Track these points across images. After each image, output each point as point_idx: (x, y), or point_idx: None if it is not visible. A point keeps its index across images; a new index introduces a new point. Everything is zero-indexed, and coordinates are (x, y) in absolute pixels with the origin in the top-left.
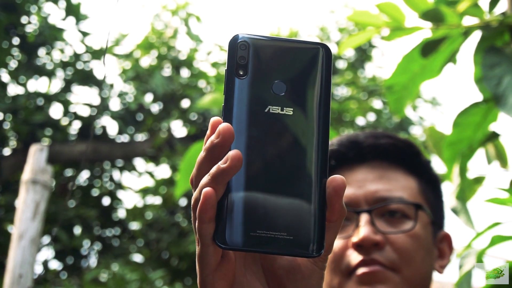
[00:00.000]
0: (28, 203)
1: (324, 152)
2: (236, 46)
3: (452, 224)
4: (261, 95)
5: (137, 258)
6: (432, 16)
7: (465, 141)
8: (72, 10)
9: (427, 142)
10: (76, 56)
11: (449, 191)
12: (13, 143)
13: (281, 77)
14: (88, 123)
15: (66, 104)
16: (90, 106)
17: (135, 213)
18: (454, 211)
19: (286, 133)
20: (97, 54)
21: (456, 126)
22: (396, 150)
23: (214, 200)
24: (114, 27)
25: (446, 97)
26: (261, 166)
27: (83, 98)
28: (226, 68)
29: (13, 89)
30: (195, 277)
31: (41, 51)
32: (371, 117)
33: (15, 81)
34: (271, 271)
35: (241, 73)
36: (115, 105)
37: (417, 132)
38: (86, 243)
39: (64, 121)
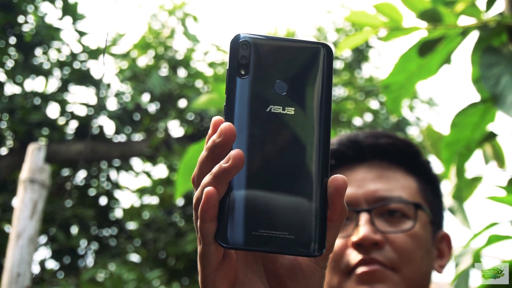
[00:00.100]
0: (26, 202)
1: (326, 152)
2: (238, 46)
3: (450, 224)
4: (262, 95)
5: (134, 258)
6: (430, 16)
7: (463, 141)
8: (69, 10)
9: (424, 142)
10: (73, 56)
11: (446, 190)
12: (10, 142)
13: (282, 76)
14: (85, 122)
15: (63, 103)
16: (87, 105)
17: (132, 213)
18: (451, 210)
19: (288, 132)
20: (94, 53)
21: (454, 126)
22: (396, 150)
23: (216, 199)
24: (112, 27)
25: (443, 97)
26: (262, 166)
27: (80, 97)
28: (227, 68)
29: (10, 89)
30: (192, 277)
31: (38, 51)
32: (368, 117)
33: (12, 81)
34: (273, 270)
35: (242, 72)
36: (112, 104)
37: (414, 133)
38: (83, 243)
39: (61, 121)
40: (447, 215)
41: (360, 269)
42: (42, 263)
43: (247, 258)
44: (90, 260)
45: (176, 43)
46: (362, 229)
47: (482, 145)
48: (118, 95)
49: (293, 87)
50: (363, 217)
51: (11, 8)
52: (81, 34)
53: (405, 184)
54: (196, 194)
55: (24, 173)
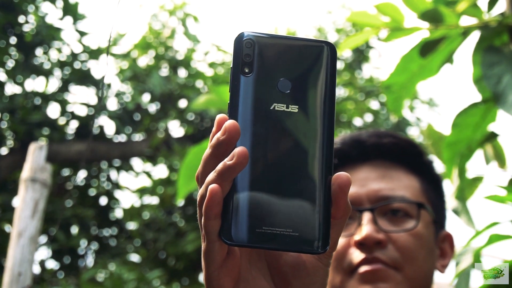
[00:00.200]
0: (27, 201)
1: (329, 150)
2: (242, 44)
3: (451, 224)
4: (266, 93)
5: (134, 258)
6: (431, 16)
7: (464, 141)
8: (70, 10)
9: (425, 142)
10: (74, 56)
11: (449, 191)
12: (10, 142)
13: (286, 74)
14: (85, 122)
15: (63, 103)
16: (88, 105)
17: (132, 213)
18: (455, 211)
19: (291, 130)
20: (95, 53)
21: (455, 126)
22: (399, 150)
23: (220, 197)
24: (114, 26)
25: (443, 98)
26: (266, 163)
27: (80, 97)
28: (231, 66)
29: (11, 89)
30: (192, 277)
31: (39, 51)
32: (368, 117)
33: (12, 81)
34: (276, 267)
35: (246, 70)
36: (112, 105)
37: (414, 133)
38: (83, 243)
39: (62, 121)
40: (450, 216)
41: (363, 268)
42: (42, 263)
43: (251, 255)
44: (90, 260)
45: (176, 43)
46: (365, 228)
47: (483, 145)
48: (118, 95)
49: (297, 85)
50: (366, 216)
51: (12, 8)
52: (82, 34)
53: (408, 183)
54: (200, 191)
55: (26, 172)
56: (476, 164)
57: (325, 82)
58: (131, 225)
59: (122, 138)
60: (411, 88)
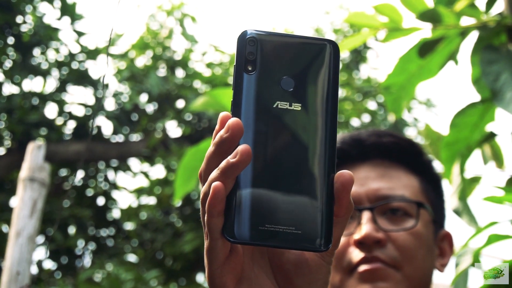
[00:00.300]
0: (25, 201)
1: (332, 148)
2: (245, 42)
3: (450, 224)
4: (269, 91)
5: (132, 258)
6: (430, 16)
7: (463, 141)
8: (67, 10)
9: (423, 142)
10: (71, 56)
11: (449, 192)
12: (7, 142)
13: (289, 72)
14: (83, 123)
15: (61, 103)
16: (85, 106)
17: (129, 213)
18: (457, 212)
19: (294, 128)
20: (92, 54)
21: (453, 126)
22: (398, 149)
23: (223, 194)
24: (114, 26)
25: (440, 98)
26: (269, 161)
27: (78, 98)
28: (235, 64)
29: (8, 89)
30: (189, 277)
31: (36, 51)
32: (366, 118)
33: (10, 81)
34: (279, 265)
35: (249, 68)
36: (110, 105)
37: (411, 134)
38: (81, 243)
39: (59, 121)
40: (450, 216)
41: (362, 267)
42: (39, 263)
43: (254, 253)
44: (87, 260)
45: (174, 44)
46: (365, 227)
47: (481, 145)
48: (116, 95)
49: (299, 83)
50: (366, 216)
51: (10, 8)
52: (80, 34)
53: (408, 183)
54: (203, 189)
55: (24, 172)
56: (474, 164)
57: (328, 80)
58: (129, 225)
59: (119, 138)
60: (410, 89)
